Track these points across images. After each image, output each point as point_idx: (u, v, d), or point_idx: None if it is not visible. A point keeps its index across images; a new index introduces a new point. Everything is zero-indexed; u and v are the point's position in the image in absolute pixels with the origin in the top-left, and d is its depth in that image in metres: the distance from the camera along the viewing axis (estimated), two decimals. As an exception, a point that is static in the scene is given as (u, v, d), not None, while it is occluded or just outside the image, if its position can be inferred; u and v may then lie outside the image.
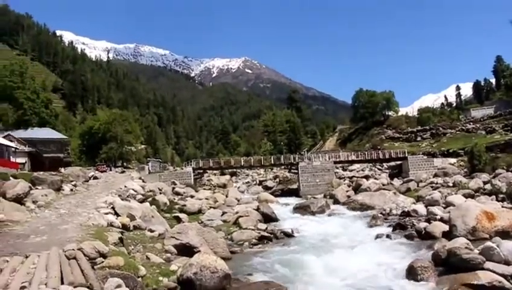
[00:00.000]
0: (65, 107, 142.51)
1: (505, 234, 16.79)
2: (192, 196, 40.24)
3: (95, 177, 43.23)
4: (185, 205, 33.23)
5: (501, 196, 28.31)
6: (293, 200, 43.36)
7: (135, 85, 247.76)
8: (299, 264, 16.72)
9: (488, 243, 14.31)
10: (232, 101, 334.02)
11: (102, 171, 52.59)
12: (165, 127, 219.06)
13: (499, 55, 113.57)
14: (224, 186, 58.38)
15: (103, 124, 70.87)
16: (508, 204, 25.83)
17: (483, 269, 12.79)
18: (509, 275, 12.59)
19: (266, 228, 26.07)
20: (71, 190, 30.61)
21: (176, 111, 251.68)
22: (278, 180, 67.68)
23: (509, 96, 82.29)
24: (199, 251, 15.63)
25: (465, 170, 46.62)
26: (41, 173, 31.56)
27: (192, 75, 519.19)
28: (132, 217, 21.03)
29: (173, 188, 44.24)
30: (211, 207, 34.81)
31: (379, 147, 71.44)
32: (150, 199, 31.87)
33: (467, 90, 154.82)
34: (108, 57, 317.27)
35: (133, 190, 33.98)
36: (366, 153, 63.82)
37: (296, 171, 57.04)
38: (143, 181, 43.87)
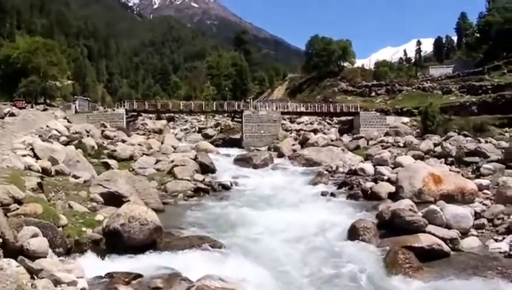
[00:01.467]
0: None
1: (449, 198, 17.77)
2: (123, 141, 39.60)
3: (12, 114, 41.46)
4: (115, 150, 32.77)
5: (450, 159, 29.67)
6: (235, 151, 43.65)
7: (63, 10, 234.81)
8: (236, 219, 17.08)
9: (432, 206, 15.19)
10: (175, 37, 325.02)
11: (20, 108, 50.34)
12: (97, 61, 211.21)
13: (464, 12, 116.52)
14: (160, 132, 57.83)
15: (23, 53, 66.95)
16: (455, 168, 27.23)
17: (425, 231, 13.62)
18: (448, 238, 13.52)
19: (203, 179, 26.47)
20: (-17, 126, 29.34)
21: (109, 44, 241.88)
22: (219, 128, 67.68)
23: (469, 56, 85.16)
24: (128, 201, 15.62)
25: (418, 130, 48.39)
26: None
27: (131, 4, 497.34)
28: (54, 161, 20.58)
29: (103, 131, 43.23)
30: (144, 154, 34.56)
31: (331, 100, 72.29)
32: (76, 141, 31.13)
33: (427, 46, 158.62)
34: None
35: (56, 130, 33.07)
36: (317, 105, 64.47)
37: (239, 120, 57.14)
38: (68, 121, 42.73)
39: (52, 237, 10.65)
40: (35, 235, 9.32)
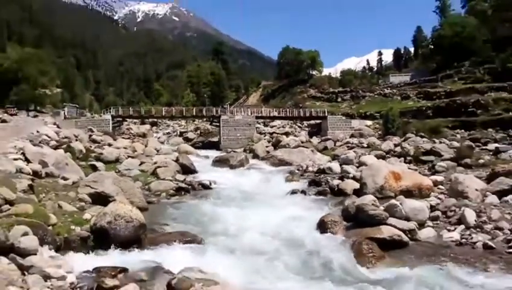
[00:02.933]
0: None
1: (408, 193, 17.97)
2: (109, 144, 38.97)
3: (4, 121, 40.67)
4: (101, 154, 32.15)
5: (408, 158, 30.19)
6: (213, 153, 43.45)
7: (52, 23, 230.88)
8: (215, 215, 17.00)
9: (393, 201, 15.37)
10: (157, 48, 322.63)
11: (12, 115, 49.38)
12: (84, 71, 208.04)
13: (419, 26, 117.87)
14: (143, 135, 57.26)
15: (14, 63, 65.54)
16: (413, 166, 27.72)
17: (386, 224, 13.78)
18: (407, 229, 13.75)
19: (184, 179, 26.20)
20: (-24, 132, 28.64)
21: (96, 54, 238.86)
22: (199, 132, 67.27)
23: (425, 66, 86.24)
24: (114, 200, 15.39)
25: (380, 132, 48.85)
26: None
27: (116, 17, 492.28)
28: (44, 164, 20.18)
29: (90, 135, 42.55)
30: (129, 156, 33.94)
31: (301, 105, 72.41)
32: (65, 145, 30.53)
33: (388, 57, 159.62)
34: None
35: (46, 135, 32.44)
36: (288, 110, 64.63)
37: (217, 124, 56.94)
38: (58, 127, 41.88)
39: (42, 235, 10.42)
40: (25, 234, 9.12)
